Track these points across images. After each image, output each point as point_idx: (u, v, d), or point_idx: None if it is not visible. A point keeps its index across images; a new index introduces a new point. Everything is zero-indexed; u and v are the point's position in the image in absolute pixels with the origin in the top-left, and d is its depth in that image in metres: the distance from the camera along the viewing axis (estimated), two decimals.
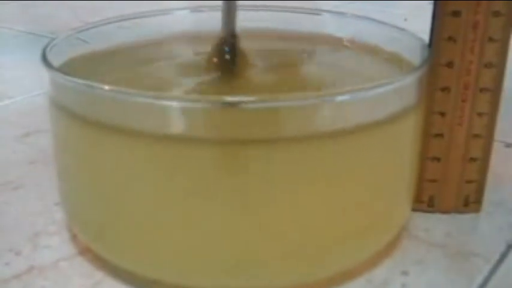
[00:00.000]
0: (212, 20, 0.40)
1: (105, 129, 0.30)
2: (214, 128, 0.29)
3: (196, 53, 0.39)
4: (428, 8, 0.35)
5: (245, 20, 0.36)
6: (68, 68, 0.33)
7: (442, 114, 0.36)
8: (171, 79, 0.36)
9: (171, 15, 0.42)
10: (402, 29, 0.37)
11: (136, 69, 0.37)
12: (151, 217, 0.30)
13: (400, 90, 0.31)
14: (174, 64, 0.39)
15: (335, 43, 0.40)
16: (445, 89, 0.35)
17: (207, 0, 0.43)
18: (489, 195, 0.38)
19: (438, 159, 0.37)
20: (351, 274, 0.33)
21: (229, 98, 0.29)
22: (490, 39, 0.34)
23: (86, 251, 0.34)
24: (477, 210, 0.38)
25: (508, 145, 0.47)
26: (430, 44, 0.35)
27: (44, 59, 0.32)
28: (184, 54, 0.41)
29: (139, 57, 0.39)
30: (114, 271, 0.33)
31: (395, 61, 0.36)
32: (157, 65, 0.38)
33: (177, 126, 0.29)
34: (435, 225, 0.37)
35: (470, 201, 0.38)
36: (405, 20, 0.72)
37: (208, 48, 0.36)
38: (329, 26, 0.41)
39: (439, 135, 0.36)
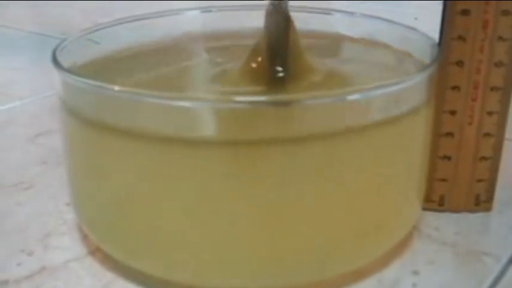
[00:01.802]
0: (222, 20, 0.40)
1: (115, 131, 0.30)
2: (228, 129, 0.29)
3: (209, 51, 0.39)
4: (438, 7, 0.35)
5: (256, 20, 0.36)
6: (78, 69, 0.34)
7: (452, 113, 0.36)
8: (184, 79, 0.37)
9: (181, 15, 0.42)
10: (412, 28, 0.37)
11: (148, 70, 0.37)
12: (162, 217, 0.30)
13: (410, 89, 0.31)
14: (186, 65, 0.39)
15: (346, 42, 0.40)
16: (455, 88, 0.35)
17: (217, 0, 0.43)
18: (500, 194, 0.38)
19: (449, 158, 0.37)
20: (361, 273, 0.33)
21: (240, 98, 0.29)
22: (500, 38, 0.34)
23: (96, 251, 0.34)
24: (488, 209, 0.38)
25: None
26: (440, 43, 0.35)
27: (54, 60, 0.32)
28: (198, 54, 0.41)
29: (150, 57, 0.39)
30: (125, 271, 0.33)
31: (405, 60, 0.36)
32: (169, 66, 0.38)
33: (189, 127, 0.29)
34: (446, 225, 0.37)
35: (481, 200, 0.38)
36: (416, 19, 0.72)
37: (222, 49, 0.36)
38: (340, 25, 0.41)
39: (450, 134, 0.36)
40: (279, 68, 0.34)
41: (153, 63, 0.38)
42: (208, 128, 0.29)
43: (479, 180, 0.37)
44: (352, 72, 0.38)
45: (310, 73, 0.35)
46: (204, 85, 0.36)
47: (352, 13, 0.41)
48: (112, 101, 0.30)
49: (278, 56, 0.34)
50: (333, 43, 0.41)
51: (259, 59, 0.34)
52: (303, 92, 0.34)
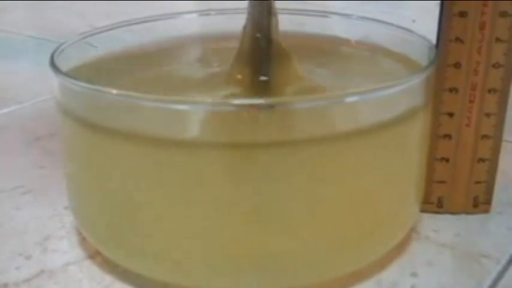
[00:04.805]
0: (220, 23, 0.40)
1: (113, 134, 0.30)
2: (224, 132, 0.29)
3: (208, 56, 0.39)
4: (436, 9, 0.35)
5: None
6: (76, 73, 0.33)
7: (450, 115, 0.36)
8: (181, 82, 0.37)
9: (179, 19, 0.42)
10: (409, 30, 0.37)
11: (146, 74, 0.37)
12: (160, 220, 0.30)
13: (408, 91, 0.31)
14: (184, 68, 0.39)
15: (343, 45, 0.40)
16: (453, 90, 0.35)
17: (214, 0, 0.43)
18: (498, 196, 0.38)
19: (447, 160, 0.37)
20: (360, 275, 0.33)
21: (238, 101, 0.29)
22: (498, 40, 0.34)
23: (95, 255, 0.34)
24: (486, 210, 0.38)
25: None
26: (438, 45, 0.35)
27: (52, 64, 0.32)
28: (195, 57, 0.41)
29: (148, 61, 0.39)
30: (124, 274, 0.33)
31: (403, 62, 0.36)
32: (167, 69, 0.38)
33: (187, 130, 0.29)
34: (444, 226, 0.37)
35: (480, 201, 0.38)
36: (413, 21, 0.72)
37: (219, 53, 0.36)
38: (337, 28, 0.41)
39: (447, 136, 0.36)
40: (263, 72, 0.34)
41: (144, 66, 0.38)
42: (199, 130, 0.29)
43: (478, 182, 0.37)
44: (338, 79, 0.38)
45: (295, 79, 0.35)
46: (189, 88, 0.36)
47: (349, 15, 0.41)
48: (109, 104, 0.30)
49: (262, 59, 0.34)
50: (329, 46, 0.41)
51: (244, 62, 0.35)
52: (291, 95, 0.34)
